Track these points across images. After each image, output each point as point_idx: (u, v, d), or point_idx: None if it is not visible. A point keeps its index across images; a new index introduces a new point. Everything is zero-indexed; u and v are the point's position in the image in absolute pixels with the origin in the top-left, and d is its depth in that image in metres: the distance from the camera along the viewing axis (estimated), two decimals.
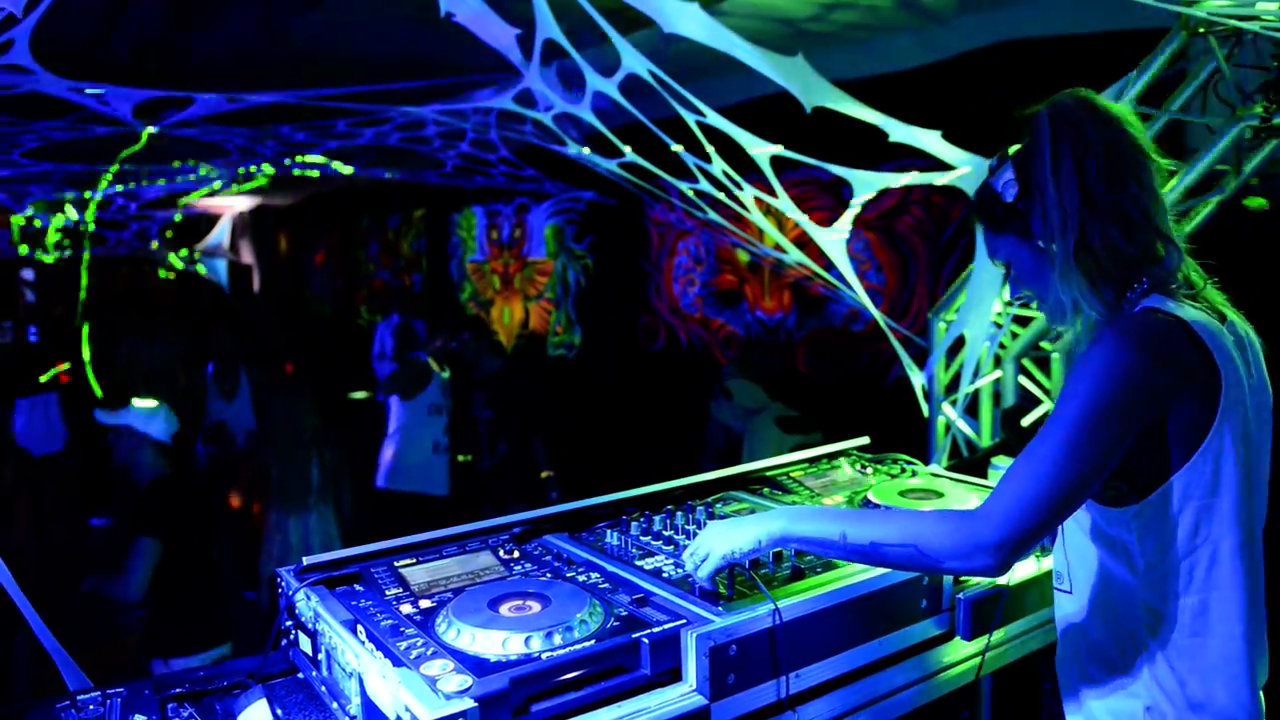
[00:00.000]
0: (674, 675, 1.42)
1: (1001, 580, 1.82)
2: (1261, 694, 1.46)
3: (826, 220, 5.99)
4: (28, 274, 14.84)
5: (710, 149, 3.92)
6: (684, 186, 4.71)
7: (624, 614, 1.49)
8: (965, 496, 2.02)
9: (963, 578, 1.79)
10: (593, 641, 1.39)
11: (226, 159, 7.95)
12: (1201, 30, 2.72)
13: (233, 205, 14.97)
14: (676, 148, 4.10)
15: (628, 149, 4.61)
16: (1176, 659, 1.39)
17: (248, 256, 15.91)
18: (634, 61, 3.51)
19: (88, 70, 4.54)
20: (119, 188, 10.77)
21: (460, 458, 5.97)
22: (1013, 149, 1.47)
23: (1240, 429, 1.36)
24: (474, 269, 10.73)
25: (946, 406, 3.83)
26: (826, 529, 1.45)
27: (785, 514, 1.50)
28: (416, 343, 6.97)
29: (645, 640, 1.39)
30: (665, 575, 1.64)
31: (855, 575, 1.64)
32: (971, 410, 3.98)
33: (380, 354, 8.19)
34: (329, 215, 13.73)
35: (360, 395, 9.05)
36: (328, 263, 14.39)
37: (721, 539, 1.50)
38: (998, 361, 3.76)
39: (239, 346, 6.50)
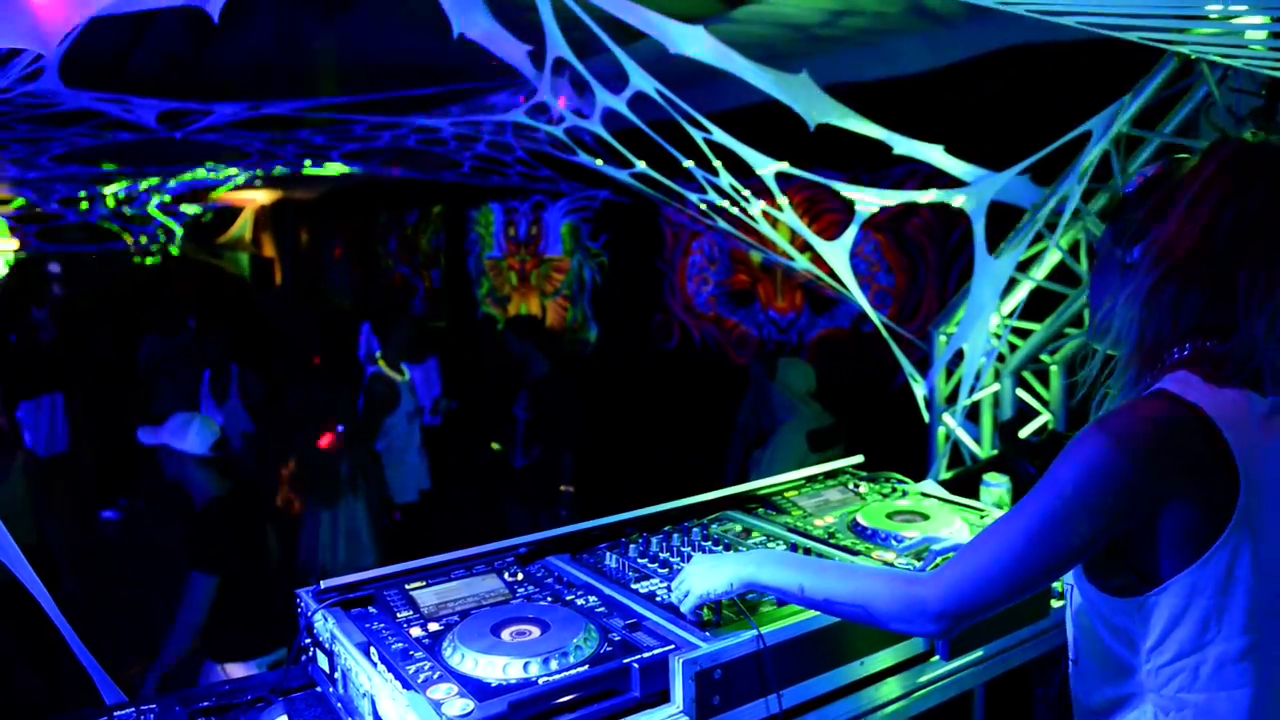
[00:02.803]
0: (663, 697, 1.52)
1: None
2: None
3: (837, 223, 6.08)
4: (54, 268, 15.10)
5: (717, 163, 4.00)
6: (694, 197, 4.80)
7: (617, 639, 1.59)
8: (949, 519, 2.11)
9: None
10: (586, 666, 1.50)
11: (247, 161, 8.10)
12: (1194, 56, 2.78)
13: (254, 199, 15.18)
14: (687, 163, 4.18)
15: (639, 162, 4.70)
16: None
17: (268, 250, 16.11)
18: (641, 80, 3.59)
19: (112, 84, 4.67)
20: (142, 184, 10.96)
21: (494, 445, 6.02)
22: (1182, 155, 1.36)
23: (1260, 526, 1.26)
24: (491, 265, 10.85)
25: (947, 417, 3.91)
26: (787, 579, 1.51)
27: (755, 559, 1.57)
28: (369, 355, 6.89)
29: (636, 665, 1.50)
30: (659, 599, 1.75)
31: None
32: (974, 416, 4.06)
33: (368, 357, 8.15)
34: (348, 210, 13.90)
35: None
36: (346, 257, 14.56)
37: (700, 579, 1.60)
38: (997, 374, 3.83)
39: (229, 350, 6.50)
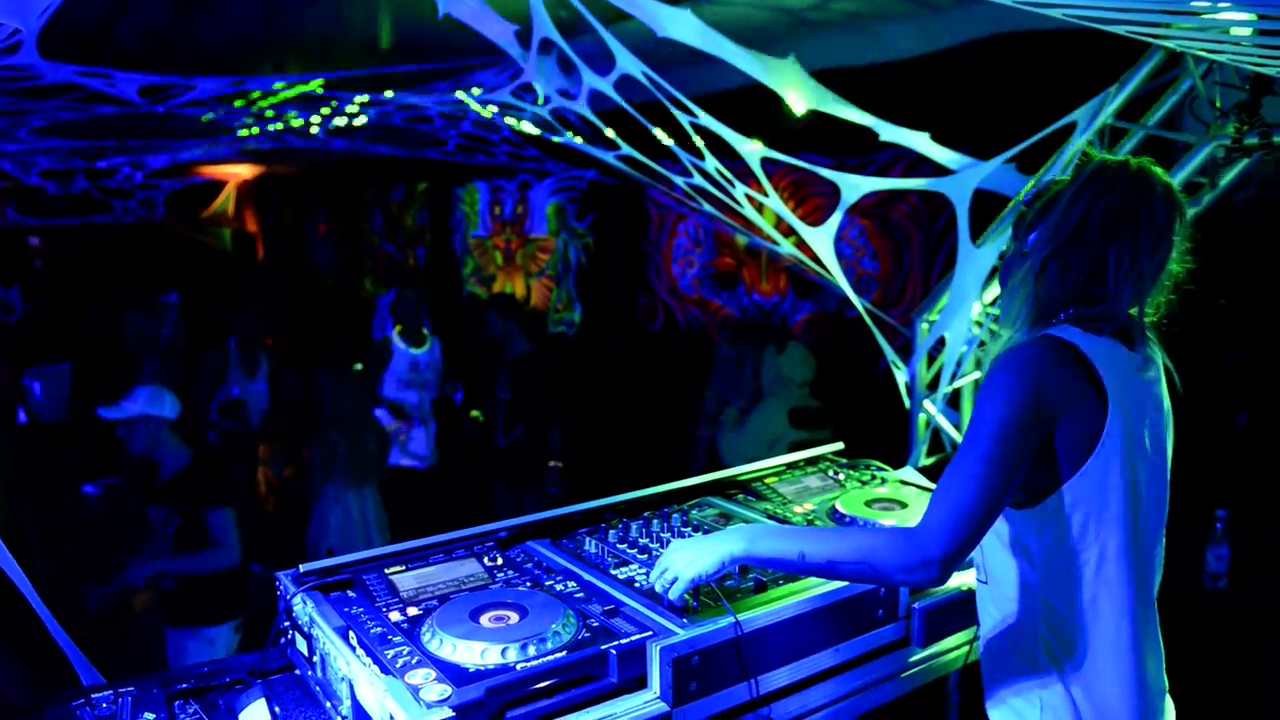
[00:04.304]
0: (640, 683, 1.54)
1: (954, 584, 1.92)
2: (1165, 682, 1.67)
3: (824, 206, 6.06)
4: (34, 241, 14.91)
5: (703, 147, 3.98)
6: (679, 180, 4.78)
7: (596, 625, 1.61)
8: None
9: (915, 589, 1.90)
10: (565, 652, 1.51)
11: (231, 135, 8.02)
12: (1178, 50, 2.78)
13: (237, 174, 15.01)
14: (667, 141, 4.17)
15: (625, 145, 4.68)
16: (1071, 645, 1.58)
17: (251, 225, 15.96)
18: (628, 63, 3.57)
19: (93, 57, 4.61)
20: (124, 158, 10.83)
21: (475, 414, 6.09)
22: (1068, 172, 1.67)
23: (1129, 444, 1.55)
24: (476, 244, 10.80)
25: (928, 403, 3.93)
26: (785, 548, 1.58)
27: (745, 534, 1.61)
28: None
29: (613, 652, 1.51)
30: (637, 585, 1.76)
31: (814, 588, 1.75)
32: (955, 403, 4.08)
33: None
34: (333, 186, 13.77)
35: (361, 367, 9.16)
36: (331, 234, 14.45)
37: (688, 563, 1.61)
38: (978, 363, 3.85)
39: (264, 323, 6.59)
